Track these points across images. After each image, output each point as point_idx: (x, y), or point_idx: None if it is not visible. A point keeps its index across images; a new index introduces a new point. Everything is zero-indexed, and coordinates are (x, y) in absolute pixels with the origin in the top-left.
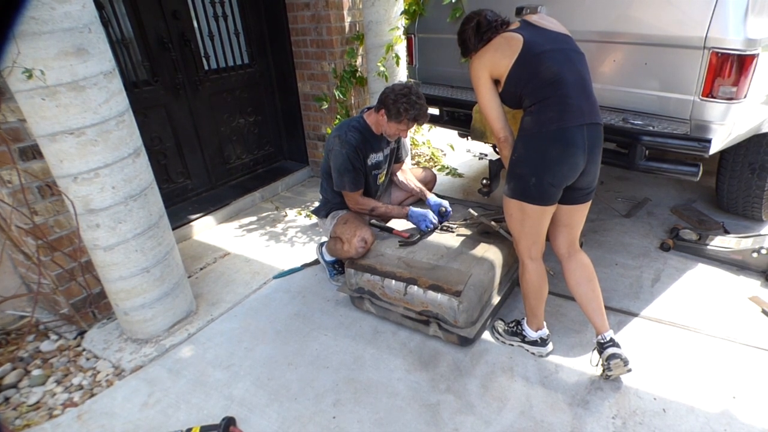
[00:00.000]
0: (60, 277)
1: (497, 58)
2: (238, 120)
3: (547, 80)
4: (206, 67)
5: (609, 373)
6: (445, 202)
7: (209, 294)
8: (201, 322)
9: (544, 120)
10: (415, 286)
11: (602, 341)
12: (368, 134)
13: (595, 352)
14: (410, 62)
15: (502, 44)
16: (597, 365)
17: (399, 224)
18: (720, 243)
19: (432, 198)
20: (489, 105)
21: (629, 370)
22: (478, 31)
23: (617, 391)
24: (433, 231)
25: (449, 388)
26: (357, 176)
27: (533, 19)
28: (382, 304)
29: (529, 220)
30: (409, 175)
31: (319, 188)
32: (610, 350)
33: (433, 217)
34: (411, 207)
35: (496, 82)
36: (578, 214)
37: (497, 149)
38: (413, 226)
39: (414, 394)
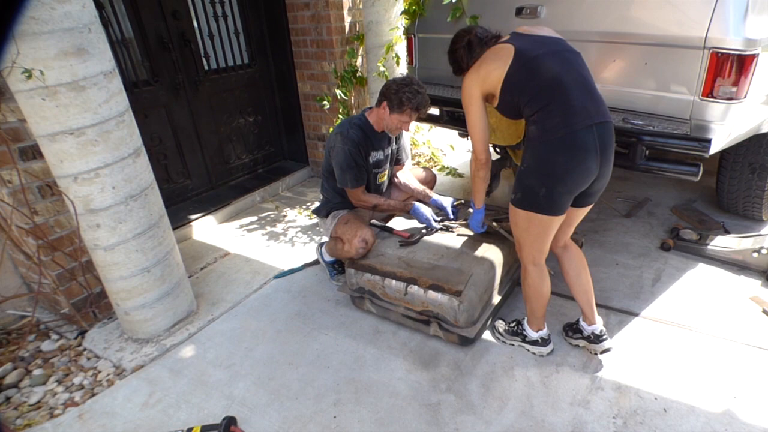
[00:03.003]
0: (60, 277)
1: (488, 71)
2: (238, 120)
3: (545, 85)
4: (206, 67)
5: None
6: (449, 200)
7: (210, 294)
8: (201, 321)
9: (549, 127)
10: (416, 286)
11: (599, 333)
12: (370, 132)
13: (577, 332)
14: (410, 62)
15: (491, 57)
16: (575, 344)
17: (399, 224)
18: (720, 243)
19: (435, 197)
20: (476, 126)
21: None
22: (470, 51)
23: (618, 390)
24: (436, 229)
25: (450, 388)
26: (359, 172)
27: (523, 29)
28: (383, 303)
29: (535, 230)
30: (410, 176)
31: (320, 188)
32: (606, 344)
33: (432, 214)
34: (414, 203)
35: (490, 97)
36: (582, 214)
37: (473, 166)
38: (414, 225)
39: (415, 393)
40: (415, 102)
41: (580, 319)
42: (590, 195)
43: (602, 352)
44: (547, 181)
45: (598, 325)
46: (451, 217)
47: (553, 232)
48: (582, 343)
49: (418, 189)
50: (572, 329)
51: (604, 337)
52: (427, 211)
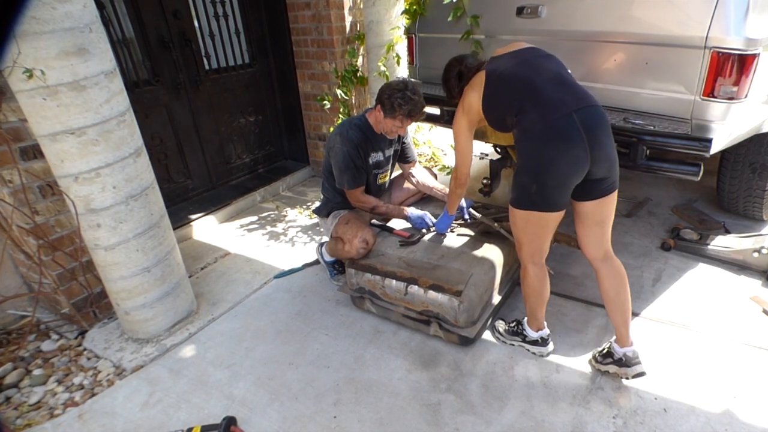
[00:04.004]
0: (61, 277)
1: (470, 103)
2: (238, 120)
3: (517, 91)
4: (207, 67)
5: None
6: (467, 202)
7: (210, 294)
8: (202, 321)
9: (527, 125)
10: (416, 286)
11: (631, 356)
12: (370, 133)
13: (607, 357)
14: (411, 62)
15: (470, 88)
16: (605, 370)
17: (399, 224)
18: (721, 243)
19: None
20: (462, 153)
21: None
22: (459, 81)
23: (618, 390)
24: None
25: (450, 388)
26: (358, 174)
27: (497, 51)
28: (383, 303)
29: (532, 228)
30: (427, 175)
31: (321, 188)
32: (639, 369)
33: (429, 219)
34: (410, 209)
35: (481, 120)
36: (608, 207)
37: (452, 183)
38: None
39: (415, 393)
40: (406, 108)
41: (613, 341)
42: (598, 182)
43: (634, 377)
44: (536, 177)
45: (632, 346)
46: (467, 217)
47: (551, 230)
48: (612, 368)
49: (437, 187)
50: (602, 354)
51: (637, 360)
52: (421, 217)
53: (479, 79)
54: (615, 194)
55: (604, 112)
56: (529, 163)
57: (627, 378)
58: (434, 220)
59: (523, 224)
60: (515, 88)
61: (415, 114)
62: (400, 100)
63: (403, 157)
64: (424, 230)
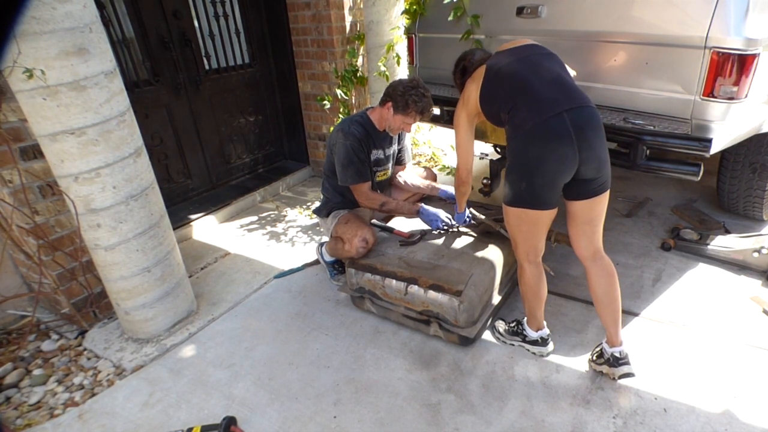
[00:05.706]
0: (61, 277)
1: (468, 95)
2: (238, 120)
3: (511, 87)
4: (207, 67)
5: (614, 377)
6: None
7: (210, 294)
8: (202, 321)
9: (519, 122)
10: (416, 286)
11: (618, 356)
12: (371, 130)
13: (600, 357)
14: (411, 62)
15: (470, 81)
16: (599, 370)
17: (399, 224)
18: (721, 243)
19: (443, 188)
20: (461, 148)
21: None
22: (463, 75)
23: (618, 390)
24: (448, 229)
25: (450, 388)
26: (362, 167)
27: (502, 47)
28: (383, 303)
29: (525, 226)
30: (413, 174)
31: (321, 187)
32: (626, 369)
33: (445, 216)
34: (422, 205)
35: (479, 114)
36: (598, 207)
37: (456, 182)
38: (414, 224)
39: (415, 393)
40: (420, 105)
41: (604, 342)
42: (588, 183)
43: (621, 377)
44: (525, 175)
45: (620, 346)
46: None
47: (544, 227)
48: (605, 369)
49: (424, 184)
50: (597, 355)
51: (624, 360)
52: (435, 214)
53: (478, 74)
54: (606, 195)
55: (598, 113)
56: (519, 161)
57: (615, 378)
58: (449, 216)
59: (516, 222)
60: (510, 84)
61: (426, 111)
62: (415, 97)
63: (398, 158)
64: (440, 227)
